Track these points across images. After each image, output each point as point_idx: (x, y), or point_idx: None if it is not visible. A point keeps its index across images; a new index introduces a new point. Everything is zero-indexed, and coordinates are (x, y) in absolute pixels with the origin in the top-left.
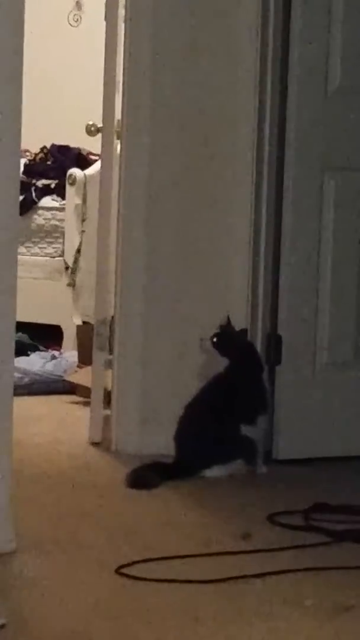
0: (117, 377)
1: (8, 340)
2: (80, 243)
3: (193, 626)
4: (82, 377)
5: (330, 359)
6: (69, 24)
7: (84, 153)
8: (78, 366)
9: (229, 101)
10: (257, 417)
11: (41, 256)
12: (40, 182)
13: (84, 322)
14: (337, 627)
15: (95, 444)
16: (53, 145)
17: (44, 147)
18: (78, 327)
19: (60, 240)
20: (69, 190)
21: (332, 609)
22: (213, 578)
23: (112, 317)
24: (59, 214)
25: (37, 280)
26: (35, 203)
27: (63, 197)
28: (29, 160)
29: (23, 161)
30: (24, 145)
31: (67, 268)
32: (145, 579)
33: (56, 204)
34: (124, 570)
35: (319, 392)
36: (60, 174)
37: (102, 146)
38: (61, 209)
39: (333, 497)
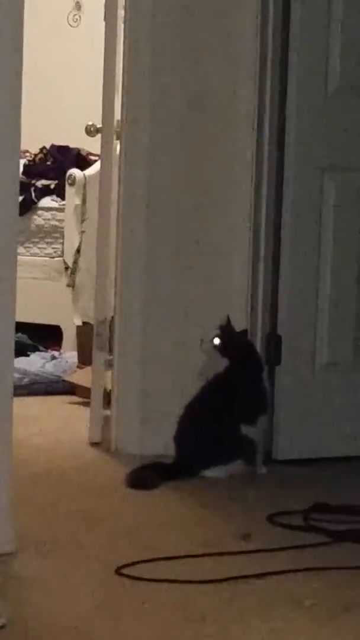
0: (117, 377)
1: (8, 340)
2: (80, 243)
3: (193, 626)
4: (82, 377)
5: (330, 359)
6: (69, 24)
7: (84, 153)
8: (78, 366)
9: (229, 101)
10: (257, 418)
11: (41, 256)
12: (40, 183)
13: (83, 323)
14: (337, 627)
15: (95, 444)
16: (52, 146)
17: (44, 147)
18: (78, 327)
19: (60, 241)
20: (69, 190)
21: (332, 609)
22: (213, 578)
23: (112, 318)
24: (59, 215)
25: (37, 280)
26: (35, 203)
27: (63, 197)
28: (29, 161)
29: (22, 162)
30: (23, 145)
31: (66, 268)
32: (145, 579)
33: (56, 205)
34: (124, 571)
35: (319, 393)
36: (59, 174)
37: (102, 146)
38: (61, 210)
39: (333, 497)
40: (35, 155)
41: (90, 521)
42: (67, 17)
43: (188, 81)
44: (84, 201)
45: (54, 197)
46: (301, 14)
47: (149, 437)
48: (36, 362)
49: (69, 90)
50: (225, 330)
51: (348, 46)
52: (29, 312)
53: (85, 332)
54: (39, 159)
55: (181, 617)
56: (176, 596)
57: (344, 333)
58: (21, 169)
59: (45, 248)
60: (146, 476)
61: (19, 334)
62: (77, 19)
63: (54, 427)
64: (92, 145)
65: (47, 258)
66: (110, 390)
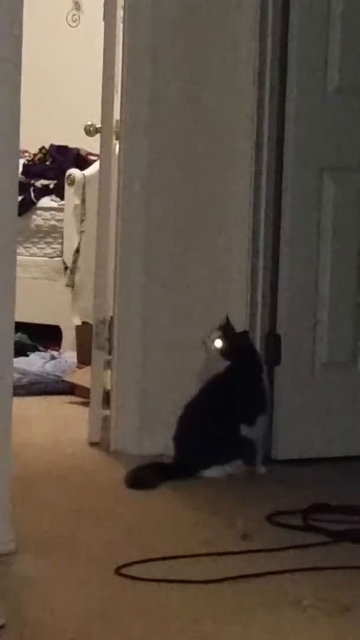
0: (116, 377)
1: (7, 340)
2: (79, 243)
3: (193, 626)
4: (81, 377)
5: (329, 359)
6: (68, 24)
7: (83, 153)
8: (77, 366)
9: (228, 101)
10: (256, 418)
11: (40, 256)
12: (39, 183)
13: (83, 323)
14: (337, 627)
15: (94, 444)
16: (52, 146)
17: (43, 147)
18: (77, 327)
19: (59, 241)
20: (68, 190)
21: (331, 609)
22: (212, 578)
23: (111, 318)
24: (58, 215)
25: (36, 280)
26: (34, 203)
27: (62, 197)
28: (28, 161)
29: (22, 161)
30: (22, 145)
31: (66, 268)
32: (145, 579)
33: (55, 205)
34: (124, 571)
35: (318, 393)
36: (59, 174)
37: (101, 146)
38: (60, 210)
39: (332, 497)
40: (35, 155)
41: (90, 521)
42: (66, 17)
43: (187, 81)
44: (83, 201)
45: (53, 197)
46: (300, 14)
47: (148, 437)
48: (36, 362)
49: (68, 90)
50: (226, 332)
51: (347, 46)
52: (29, 312)
53: (84, 332)
54: (38, 159)
55: (181, 617)
56: (176, 596)
57: (343, 333)
58: (20, 169)
59: (44, 248)
60: (145, 476)
61: (19, 334)
62: (76, 19)
63: (54, 427)
64: (91, 145)
65: (46, 258)
66: (109, 390)
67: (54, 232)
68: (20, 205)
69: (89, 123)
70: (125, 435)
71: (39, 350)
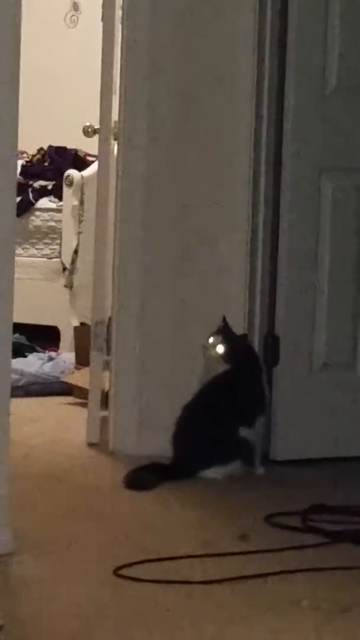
0: (115, 378)
1: (5, 341)
2: (78, 244)
3: (192, 627)
4: (80, 378)
5: (327, 359)
6: (66, 25)
7: (81, 154)
8: (75, 367)
9: (227, 101)
10: (255, 419)
11: (38, 257)
12: (38, 184)
13: (81, 324)
14: (336, 627)
15: (92, 445)
16: (50, 147)
17: (41, 148)
18: (75, 328)
19: (58, 242)
20: (66, 191)
21: (330, 610)
22: (211, 579)
23: (110, 318)
24: (56, 215)
25: (34, 281)
26: (33, 204)
27: (60, 198)
28: (26, 162)
29: (20, 162)
30: (21, 146)
31: (64, 269)
32: (143, 580)
33: (53, 205)
34: (123, 571)
35: (316, 393)
36: (57, 175)
37: (99, 147)
38: (58, 210)
39: (331, 497)
40: (33, 156)
41: (89, 522)
42: (65, 18)
43: (186, 81)
44: (81, 202)
45: (52, 198)
46: (299, 14)
47: (146, 438)
48: (34, 363)
49: (66, 91)
50: (226, 336)
51: (346, 46)
52: (27, 313)
53: (82, 333)
54: (37, 160)
55: (180, 617)
56: (175, 597)
57: (342, 333)
58: (19, 170)
59: (42, 249)
60: (144, 477)
61: (17, 335)
62: (74, 20)
63: (52, 428)
64: (89, 146)
65: (44, 259)
66: (107, 391)
67: (52, 233)
68: (19, 206)
69: (88, 124)
70: (123, 436)
71: (37, 351)
